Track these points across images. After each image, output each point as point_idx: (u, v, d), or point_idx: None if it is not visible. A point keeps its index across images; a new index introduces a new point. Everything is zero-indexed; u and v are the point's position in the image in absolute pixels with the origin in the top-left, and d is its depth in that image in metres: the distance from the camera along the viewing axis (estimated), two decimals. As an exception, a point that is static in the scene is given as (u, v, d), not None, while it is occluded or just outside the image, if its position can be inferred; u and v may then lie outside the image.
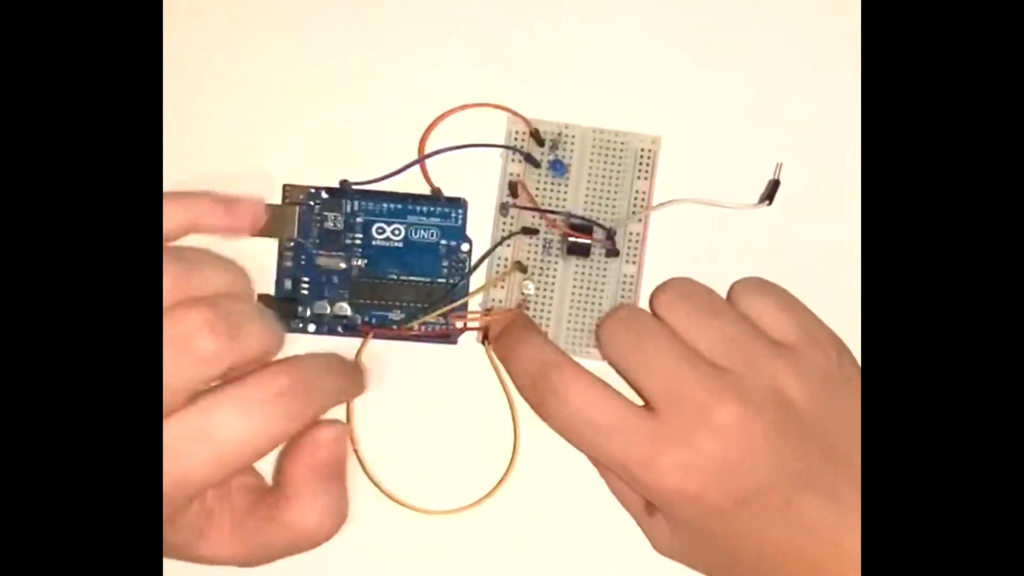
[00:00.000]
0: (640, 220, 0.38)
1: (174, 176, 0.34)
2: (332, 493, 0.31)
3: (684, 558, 0.36)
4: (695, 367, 0.33)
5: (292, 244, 0.37)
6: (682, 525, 0.34)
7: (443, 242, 0.38)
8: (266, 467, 0.33)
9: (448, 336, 0.38)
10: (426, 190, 0.38)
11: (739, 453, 0.32)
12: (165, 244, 0.30)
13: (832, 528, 0.32)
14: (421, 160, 0.37)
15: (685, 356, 0.33)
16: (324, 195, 0.38)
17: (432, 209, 0.38)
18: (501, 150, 0.38)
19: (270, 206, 0.37)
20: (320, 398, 0.31)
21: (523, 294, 0.37)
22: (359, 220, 0.38)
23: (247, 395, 0.29)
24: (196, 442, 0.28)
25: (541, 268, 0.38)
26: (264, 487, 0.33)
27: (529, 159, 0.37)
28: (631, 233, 0.38)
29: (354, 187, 0.37)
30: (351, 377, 0.34)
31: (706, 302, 0.35)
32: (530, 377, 0.34)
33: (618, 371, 0.34)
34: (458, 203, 0.38)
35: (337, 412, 0.37)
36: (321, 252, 0.38)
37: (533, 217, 0.38)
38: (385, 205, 0.38)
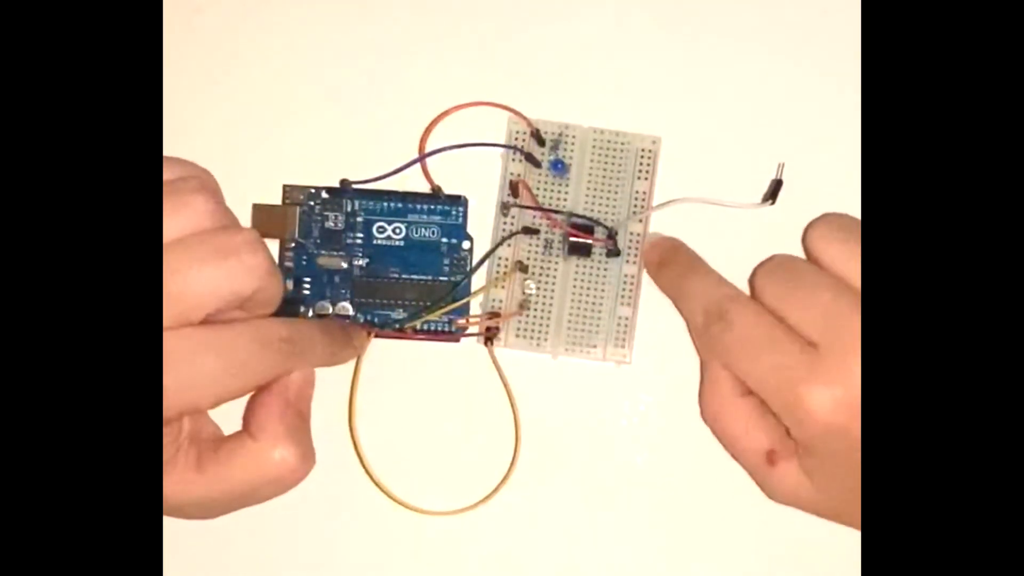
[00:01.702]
0: (641, 220, 0.38)
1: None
2: (297, 431, 0.32)
3: (809, 501, 0.35)
4: (854, 300, 0.32)
5: (293, 244, 0.37)
6: (821, 461, 0.33)
7: (444, 240, 0.38)
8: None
9: (450, 335, 0.38)
10: (426, 189, 0.38)
11: None
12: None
13: None
14: (422, 159, 0.37)
15: (842, 290, 0.32)
16: (324, 195, 0.38)
17: (433, 207, 0.38)
18: (502, 150, 0.38)
19: (270, 206, 0.37)
20: (310, 356, 0.33)
21: (524, 293, 0.38)
22: (360, 219, 0.38)
23: (250, 331, 0.30)
24: (186, 360, 0.28)
25: (542, 268, 0.38)
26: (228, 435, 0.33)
27: (530, 159, 0.37)
28: (632, 233, 0.38)
29: (354, 186, 0.37)
30: (343, 343, 0.35)
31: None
32: (704, 310, 0.34)
33: (777, 316, 0.33)
34: (458, 200, 0.38)
35: (339, 411, 0.37)
36: (322, 252, 0.38)
37: (534, 217, 0.38)
38: (385, 204, 0.38)
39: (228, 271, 0.29)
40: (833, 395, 0.31)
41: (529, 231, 0.37)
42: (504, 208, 0.37)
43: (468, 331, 0.37)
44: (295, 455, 0.31)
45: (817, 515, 0.35)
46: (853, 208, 0.36)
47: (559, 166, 0.38)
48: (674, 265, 0.36)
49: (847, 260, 0.33)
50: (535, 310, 0.38)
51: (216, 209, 0.30)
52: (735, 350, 0.34)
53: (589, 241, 0.37)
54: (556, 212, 0.37)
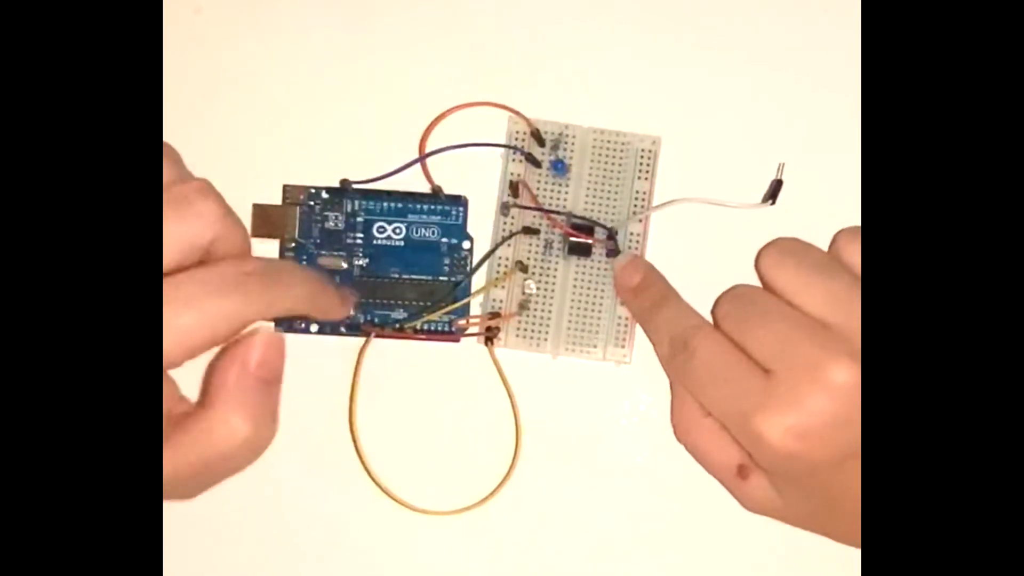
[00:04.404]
0: (641, 220, 0.38)
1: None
2: (252, 400, 0.28)
3: (781, 514, 0.35)
4: (804, 327, 0.32)
5: (293, 244, 0.37)
6: (785, 481, 0.34)
7: (444, 240, 0.38)
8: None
9: (450, 335, 0.38)
10: (426, 189, 0.38)
11: (849, 408, 0.31)
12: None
13: None
14: (422, 159, 0.37)
15: (793, 318, 0.33)
16: (324, 195, 0.38)
17: (433, 207, 0.38)
18: (502, 150, 0.38)
19: (270, 206, 0.37)
20: (283, 292, 0.30)
21: (524, 293, 0.38)
22: (360, 219, 0.38)
23: (203, 272, 0.28)
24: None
25: (542, 268, 0.38)
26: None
27: (530, 159, 0.37)
28: (632, 233, 0.38)
29: (354, 186, 0.37)
30: (324, 291, 0.33)
31: (811, 259, 0.34)
32: (670, 339, 0.35)
33: (737, 345, 0.34)
34: (458, 201, 0.38)
35: (339, 411, 0.37)
36: (322, 252, 0.38)
37: (534, 217, 0.38)
38: (386, 204, 0.38)
39: (179, 221, 0.28)
40: (785, 422, 0.31)
41: (529, 231, 0.37)
42: (504, 208, 0.38)
43: (468, 331, 0.37)
44: (247, 425, 0.28)
45: (790, 525, 0.35)
46: (853, 208, 0.37)
47: (559, 166, 0.38)
48: (647, 294, 0.37)
49: (797, 285, 0.33)
50: (535, 310, 0.38)
51: (168, 167, 0.29)
52: (697, 378, 0.34)
53: (589, 241, 0.37)
54: (556, 212, 0.37)
